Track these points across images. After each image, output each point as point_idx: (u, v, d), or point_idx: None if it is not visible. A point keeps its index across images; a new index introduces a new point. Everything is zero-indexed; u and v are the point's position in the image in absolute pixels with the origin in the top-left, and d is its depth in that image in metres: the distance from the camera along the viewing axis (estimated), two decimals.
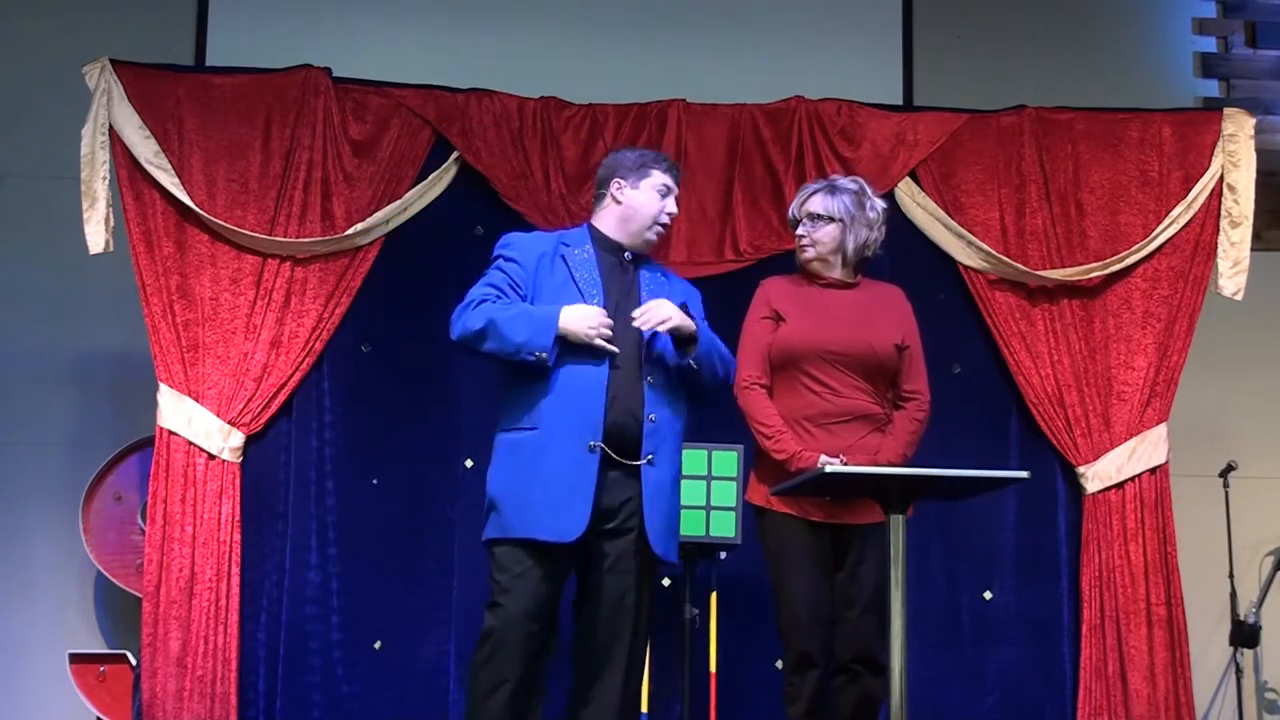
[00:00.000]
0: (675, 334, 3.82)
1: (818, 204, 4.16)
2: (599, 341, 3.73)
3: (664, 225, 3.97)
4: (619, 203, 3.94)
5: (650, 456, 3.76)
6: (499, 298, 3.81)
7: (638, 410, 3.76)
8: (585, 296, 3.82)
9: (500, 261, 3.90)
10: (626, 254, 3.94)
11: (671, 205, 3.97)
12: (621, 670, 3.75)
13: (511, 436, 3.80)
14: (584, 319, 3.74)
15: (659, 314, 3.76)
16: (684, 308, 3.83)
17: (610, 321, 3.76)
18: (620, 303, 3.85)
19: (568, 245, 3.94)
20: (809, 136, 5.15)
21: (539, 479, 3.72)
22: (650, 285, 3.93)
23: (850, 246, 4.15)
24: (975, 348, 5.19)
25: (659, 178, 3.94)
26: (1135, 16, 6.03)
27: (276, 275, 4.92)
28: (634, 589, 3.77)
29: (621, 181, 3.95)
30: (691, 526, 4.56)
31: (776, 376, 4.10)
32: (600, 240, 3.95)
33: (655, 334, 3.82)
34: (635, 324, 3.76)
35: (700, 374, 3.84)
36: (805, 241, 4.17)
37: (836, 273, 4.17)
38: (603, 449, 3.71)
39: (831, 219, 4.14)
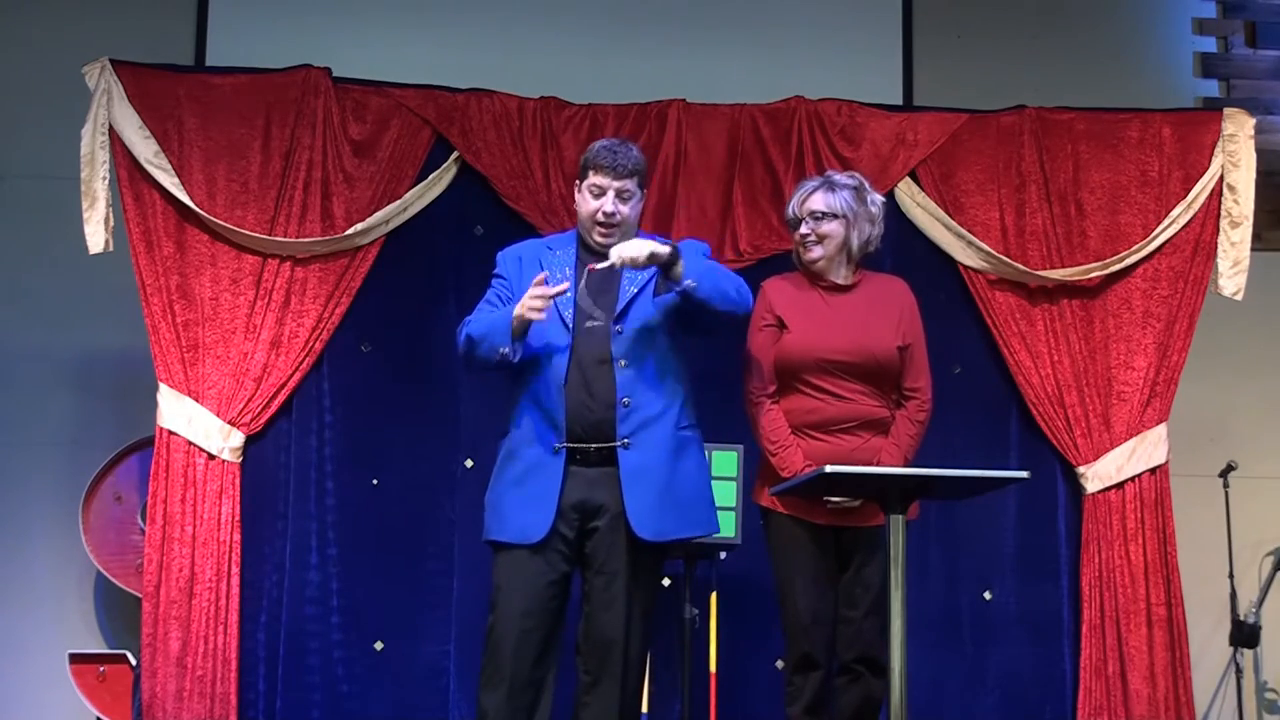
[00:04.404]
0: (658, 265, 3.72)
1: (819, 201, 4.14)
2: (531, 314, 3.65)
3: (604, 225, 3.85)
4: (576, 205, 3.95)
5: (626, 440, 3.73)
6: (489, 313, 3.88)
7: (610, 397, 3.74)
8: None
9: (493, 280, 3.98)
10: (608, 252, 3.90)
11: (608, 204, 3.83)
12: (619, 672, 3.73)
13: (501, 442, 3.87)
14: (520, 302, 3.70)
15: (630, 249, 3.68)
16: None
17: (543, 291, 3.66)
18: (597, 300, 3.82)
19: (550, 249, 3.95)
20: (809, 136, 5.15)
21: (510, 482, 3.78)
22: (631, 273, 3.84)
23: (855, 243, 4.14)
24: (975, 348, 5.19)
25: (591, 178, 3.86)
26: (1135, 16, 6.03)
27: (276, 275, 4.92)
28: (625, 590, 3.74)
29: (578, 183, 3.94)
30: None
31: (781, 383, 4.09)
32: (583, 241, 3.94)
33: (626, 315, 3.78)
34: (615, 263, 3.68)
35: (707, 298, 3.72)
36: (811, 239, 4.14)
37: (840, 273, 4.16)
38: (568, 448, 3.71)
39: (834, 215, 4.13)
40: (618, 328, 3.78)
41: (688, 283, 3.71)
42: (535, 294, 3.68)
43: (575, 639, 3.80)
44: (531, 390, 3.78)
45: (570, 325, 3.78)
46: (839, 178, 4.21)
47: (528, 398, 3.79)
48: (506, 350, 3.72)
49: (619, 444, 3.72)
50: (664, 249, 3.73)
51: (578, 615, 3.82)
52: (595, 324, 3.79)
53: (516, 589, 3.71)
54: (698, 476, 3.87)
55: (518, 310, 3.70)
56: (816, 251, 4.13)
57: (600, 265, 3.75)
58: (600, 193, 3.85)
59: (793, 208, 4.20)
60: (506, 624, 3.69)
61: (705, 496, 3.90)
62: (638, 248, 3.71)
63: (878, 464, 4.00)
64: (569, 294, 3.78)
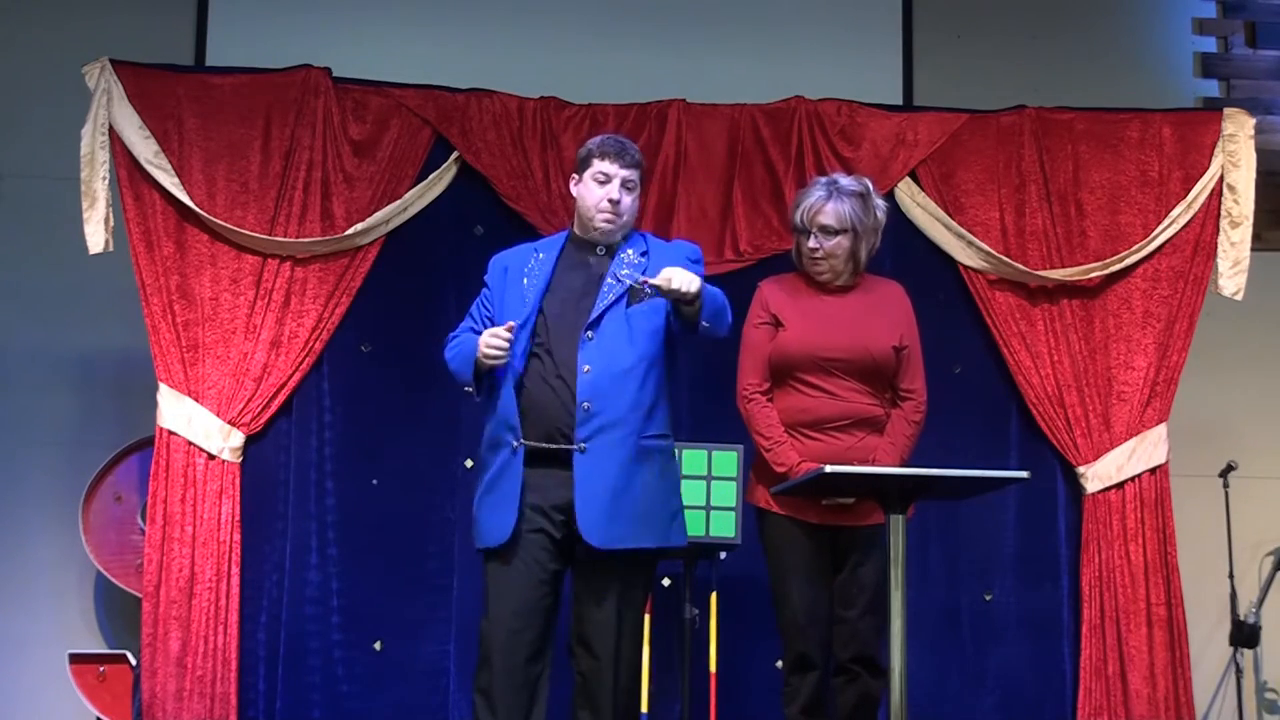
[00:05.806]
0: (675, 299, 3.67)
1: (830, 216, 4.12)
2: (487, 361, 3.75)
3: (610, 212, 3.85)
4: (575, 198, 3.94)
5: (582, 445, 3.71)
6: (472, 329, 3.93)
7: (572, 402, 3.73)
8: (523, 305, 3.82)
9: (481, 290, 4.01)
10: (599, 248, 3.90)
11: (614, 191, 3.84)
12: (612, 671, 3.72)
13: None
14: (479, 344, 3.78)
15: (683, 280, 3.61)
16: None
17: (503, 337, 3.71)
18: (579, 300, 3.82)
19: (538, 252, 3.95)
20: (809, 136, 5.15)
21: (484, 489, 3.82)
22: (610, 283, 3.83)
23: (863, 254, 4.16)
24: (975, 348, 5.19)
25: (597, 166, 3.87)
26: (1135, 16, 6.03)
27: (276, 275, 4.92)
28: (616, 589, 3.73)
29: (575, 176, 3.94)
30: (691, 526, 4.55)
31: (775, 381, 4.09)
32: (574, 238, 3.95)
33: (600, 323, 3.76)
34: (663, 286, 3.61)
35: (707, 331, 3.73)
36: (819, 255, 4.12)
37: (841, 278, 4.17)
38: (526, 446, 3.73)
39: (844, 230, 4.12)
40: (589, 334, 3.76)
41: (703, 324, 3.72)
42: (492, 343, 3.73)
43: (567, 639, 3.80)
44: (500, 393, 3.79)
45: (536, 329, 3.80)
46: (844, 183, 4.18)
47: (497, 400, 3.81)
48: (470, 389, 3.85)
49: (575, 448, 3.71)
50: (689, 292, 3.63)
51: (570, 614, 3.82)
52: (567, 329, 3.78)
53: (504, 590, 3.71)
54: (659, 487, 3.80)
55: (477, 353, 3.78)
56: (823, 268, 4.14)
57: (647, 285, 3.65)
58: (606, 179, 3.86)
59: (800, 216, 4.17)
60: (497, 625, 3.70)
61: (668, 508, 3.83)
62: (690, 281, 3.63)
63: (873, 463, 4.00)
64: (534, 298, 3.81)
